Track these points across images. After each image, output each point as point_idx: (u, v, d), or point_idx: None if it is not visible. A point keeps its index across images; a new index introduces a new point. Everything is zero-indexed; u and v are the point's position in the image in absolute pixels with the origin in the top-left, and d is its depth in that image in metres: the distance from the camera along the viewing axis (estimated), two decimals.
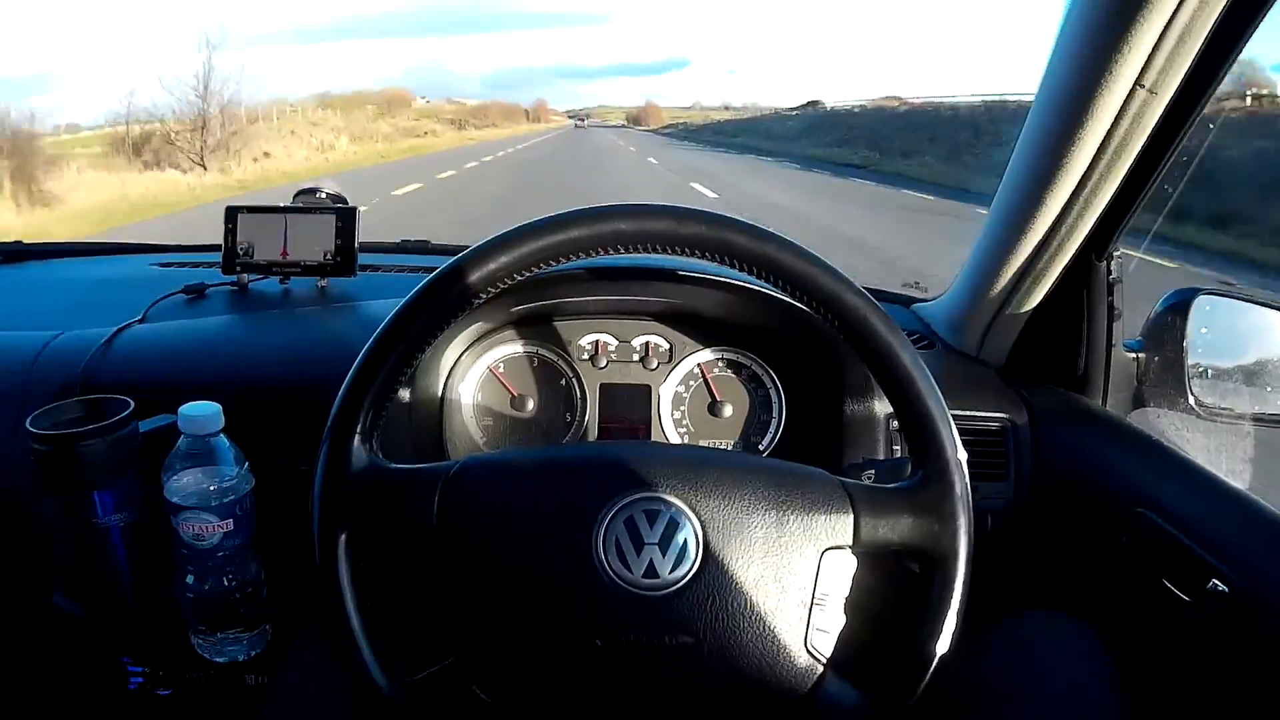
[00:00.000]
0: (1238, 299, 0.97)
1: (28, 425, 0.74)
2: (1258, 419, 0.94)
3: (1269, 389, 0.95)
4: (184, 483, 0.75)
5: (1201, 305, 0.94)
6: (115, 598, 0.81)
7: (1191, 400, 0.93)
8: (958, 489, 0.61)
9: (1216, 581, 0.74)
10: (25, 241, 1.34)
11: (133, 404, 0.78)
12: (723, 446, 0.99)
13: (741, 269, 0.62)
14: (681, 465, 0.62)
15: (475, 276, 0.61)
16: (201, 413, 0.75)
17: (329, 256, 1.12)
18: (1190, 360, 0.93)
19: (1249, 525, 0.76)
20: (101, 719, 1.17)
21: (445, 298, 0.61)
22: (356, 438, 0.61)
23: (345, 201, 1.15)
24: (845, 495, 0.62)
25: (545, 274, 0.64)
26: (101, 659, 1.10)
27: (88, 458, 0.75)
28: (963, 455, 0.63)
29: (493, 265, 0.61)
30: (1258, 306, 0.96)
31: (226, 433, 0.78)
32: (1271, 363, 0.96)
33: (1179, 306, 0.94)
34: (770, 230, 0.62)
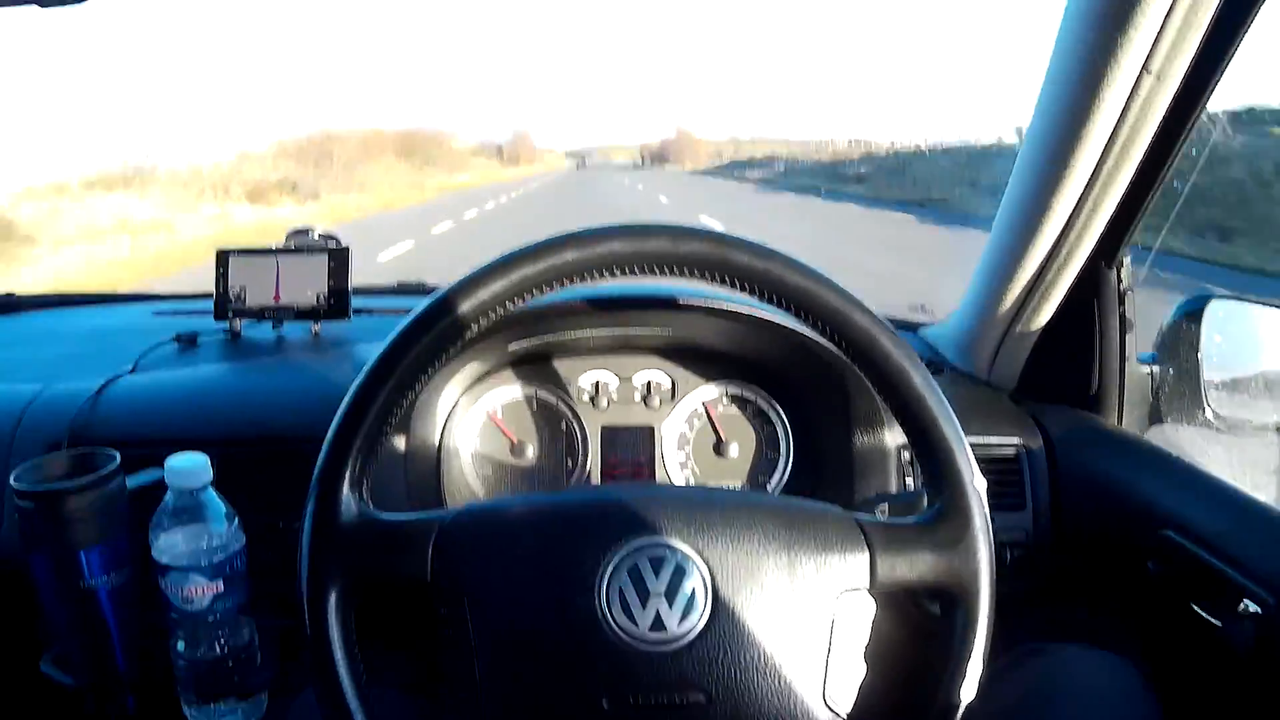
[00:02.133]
0: (1252, 303, 0.94)
1: (10, 481, 0.72)
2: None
3: None
4: (172, 541, 0.72)
5: (1215, 311, 0.92)
6: (105, 666, 0.77)
7: (1209, 413, 0.90)
8: (977, 520, 0.58)
9: (1248, 602, 0.71)
10: (17, 294, 1.32)
11: (118, 456, 0.75)
12: (730, 487, 0.95)
13: (743, 289, 0.59)
14: (686, 507, 0.59)
15: (466, 306, 0.57)
16: (188, 465, 0.72)
17: (322, 299, 1.10)
18: (1206, 371, 0.91)
19: (1278, 540, 0.72)
20: None
21: (435, 330, 0.58)
22: (346, 485, 0.57)
23: (338, 242, 1.14)
24: (860, 533, 0.59)
25: (540, 304, 0.62)
26: None
27: (72, 514, 0.72)
28: (981, 483, 0.59)
29: (484, 294, 0.58)
30: (1273, 309, 0.94)
31: (218, 488, 0.75)
32: None
33: (1193, 314, 0.92)
34: (773, 248, 0.59)
